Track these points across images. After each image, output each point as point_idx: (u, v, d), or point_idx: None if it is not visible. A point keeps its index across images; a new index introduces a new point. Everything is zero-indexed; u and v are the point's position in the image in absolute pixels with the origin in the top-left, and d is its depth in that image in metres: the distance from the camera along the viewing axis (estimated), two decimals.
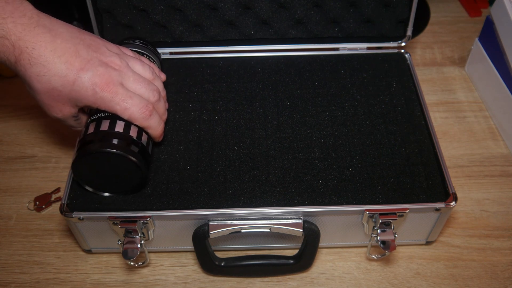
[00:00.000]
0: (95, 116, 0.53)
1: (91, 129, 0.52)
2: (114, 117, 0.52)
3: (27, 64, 0.49)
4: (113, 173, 0.52)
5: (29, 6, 0.49)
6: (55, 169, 0.69)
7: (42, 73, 0.49)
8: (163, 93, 0.58)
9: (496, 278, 0.58)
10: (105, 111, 0.53)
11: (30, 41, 0.48)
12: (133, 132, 0.52)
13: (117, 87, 0.51)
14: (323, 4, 0.67)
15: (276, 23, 0.68)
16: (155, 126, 0.55)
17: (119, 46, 0.56)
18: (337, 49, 0.71)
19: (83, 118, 0.56)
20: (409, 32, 0.69)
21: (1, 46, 0.48)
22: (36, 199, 0.65)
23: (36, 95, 0.51)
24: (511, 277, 0.58)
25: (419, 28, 0.87)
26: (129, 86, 0.53)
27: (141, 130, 0.54)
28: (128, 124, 0.52)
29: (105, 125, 0.52)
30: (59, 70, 0.49)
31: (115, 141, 0.51)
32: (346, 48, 0.71)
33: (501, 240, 0.61)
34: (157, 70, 0.59)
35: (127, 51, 0.57)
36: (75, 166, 0.52)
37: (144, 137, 0.54)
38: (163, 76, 0.61)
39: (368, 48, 0.71)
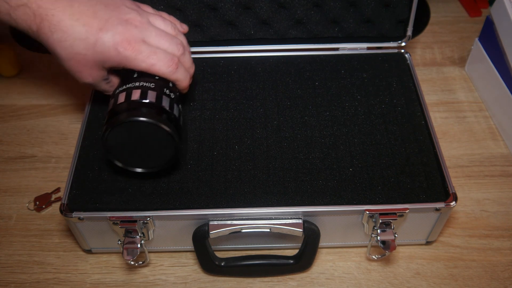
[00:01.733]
0: (124, 87, 0.52)
1: (121, 99, 0.51)
2: (145, 88, 0.51)
3: (48, 32, 0.49)
4: (145, 146, 0.51)
5: None
6: (55, 169, 0.69)
7: (63, 38, 0.49)
8: (187, 46, 0.58)
9: (496, 278, 0.58)
10: (134, 80, 0.52)
11: (49, 8, 0.48)
12: (165, 103, 0.51)
13: (140, 44, 0.51)
14: (323, 4, 0.67)
15: (276, 23, 0.68)
16: (182, 78, 0.55)
17: (139, 3, 0.56)
18: (337, 49, 0.71)
19: (115, 80, 0.55)
20: (409, 32, 0.69)
21: (23, 15, 0.48)
22: (36, 199, 0.65)
23: (63, 63, 0.51)
24: (511, 277, 0.58)
25: (419, 28, 0.87)
26: (152, 42, 0.53)
27: (172, 102, 0.52)
28: (159, 95, 0.51)
29: (135, 95, 0.50)
30: (79, 34, 0.49)
31: (145, 110, 0.49)
32: (346, 48, 0.71)
33: (501, 240, 0.61)
34: (178, 23, 0.59)
35: (147, 8, 0.56)
36: (105, 139, 0.50)
37: (176, 110, 0.52)
38: (185, 27, 0.60)
39: (368, 48, 0.71)
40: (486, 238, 0.62)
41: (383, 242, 0.55)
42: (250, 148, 0.60)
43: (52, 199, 0.66)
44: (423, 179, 0.56)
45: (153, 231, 0.57)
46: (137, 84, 0.52)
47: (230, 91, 0.66)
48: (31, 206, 0.65)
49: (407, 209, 0.54)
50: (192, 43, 0.69)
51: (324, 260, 0.60)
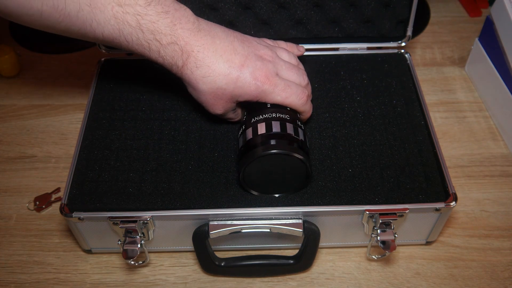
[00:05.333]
0: (261, 117, 0.53)
1: (261, 129, 0.52)
2: (283, 120, 0.53)
3: (194, 67, 0.51)
4: (280, 173, 0.53)
5: (190, 12, 0.52)
6: (55, 169, 0.69)
7: (207, 74, 0.51)
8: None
9: (496, 278, 0.58)
10: (269, 111, 0.54)
11: (195, 44, 0.51)
12: (290, 130, 0.53)
13: (276, 79, 0.53)
14: (323, 4, 0.67)
15: (276, 23, 0.68)
16: (308, 109, 0.57)
17: (261, 38, 0.59)
18: (337, 49, 0.71)
19: (239, 110, 0.58)
20: (409, 32, 0.69)
21: (171, 52, 0.51)
22: (36, 199, 0.65)
23: (201, 96, 0.53)
24: (511, 277, 0.58)
25: (419, 28, 0.87)
26: (283, 75, 0.55)
27: (296, 126, 0.54)
28: (283, 123, 0.53)
29: (261, 129, 0.52)
30: (222, 69, 0.51)
31: (276, 142, 0.51)
32: (346, 48, 0.71)
33: (501, 240, 0.61)
34: (295, 48, 0.61)
35: (267, 41, 0.59)
36: (243, 174, 0.52)
37: (301, 133, 0.54)
38: (302, 49, 0.63)
39: (368, 48, 0.71)
40: (486, 238, 0.62)
41: (383, 242, 0.55)
42: None
43: (52, 199, 0.66)
44: (423, 179, 0.56)
45: (153, 231, 0.57)
46: (274, 115, 0.53)
47: None
48: (31, 206, 0.65)
49: (407, 209, 0.54)
50: None
51: (324, 260, 0.60)
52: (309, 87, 0.58)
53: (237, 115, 0.59)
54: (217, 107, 0.55)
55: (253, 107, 0.55)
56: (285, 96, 0.54)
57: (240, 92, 0.53)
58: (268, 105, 0.54)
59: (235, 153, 0.59)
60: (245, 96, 0.53)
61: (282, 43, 0.61)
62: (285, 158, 0.51)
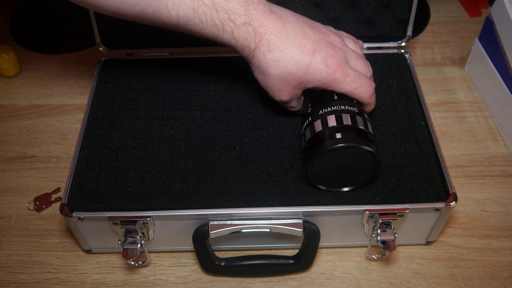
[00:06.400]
0: (330, 109, 0.53)
1: (331, 122, 0.51)
2: (353, 113, 0.52)
3: (266, 50, 0.50)
4: (348, 167, 0.52)
5: None
6: (55, 169, 0.69)
7: (279, 58, 0.50)
8: None
9: (496, 278, 0.58)
10: (337, 103, 0.53)
11: (268, 26, 0.50)
12: (360, 123, 0.52)
13: (347, 68, 0.52)
14: (323, 4, 0.67)
15: None
16: (373, 102, 0.56)
17: (326, 26, 0.57)
18: None
19: (302, 98, 0.57)
20: (409, 32, 0.69)
21: (245, 33, 0.49)
22: (36, 199, 0.65)
23: (269, 81, 0.52)
24: (511, 277, 0.58)
25: (419, 28, 0.87)
26: (352, 64, 0.54)
27: (364, 119, 0.53)
28: (353, 116, 0.52)
29: (331, 121, 0.51)
30: (294, 54, 0.50)
31: (347, 135, 0.50)
32: None
33: (501, 240, 0.61)
34: (355, 41, 0.59)
35: (331, 28, 0.57)
36: (310, 169, 0.52)
37: (369, 126, 0.53)
38: (361, 43, 0.61)
39: (368, 48, 0.71)
40: (486, 238, 0.62)
41: (383, 242, 0.55)
42: (251, 148, 0.60)
43: (52, 199, 0.66)
44: (423, 179, 0.56)
45: (153, 231, 0.57)
46: (343, 107, 0.53)
47: (231, 91, 0.66)
48: (31, 206, 0.65)
49: (407, 209, 0.54)
50: (193, 43, 0.70)
51: (324, 260, 0.60)
52: (372, 79, 0.57)
53: (300, 104, 0.57)
54: (284, 93, 0.53)
55: (318, 98, 0.54)
56: (355, 86, 0.53)
57: (309, 79, 0.51)
58: (335, 97, 0.53)
59: (234, 152, 0.59)
60: (314, 82, 0.52)
61: (344, 33, 0.59)
62: (356, 151, 0.50)
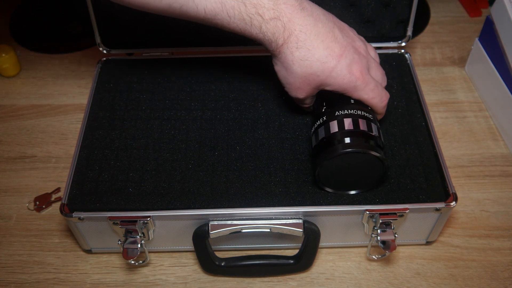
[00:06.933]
0: (347, 112, 0.53)
1: (348, 125, 0.51)
2: (368, 120, 0.52)
3: (294, 47, 0.49)
4: (355, 172, 0.52)
5: None
6: (55, 169, 0.69)
7: (305, 57, 0.49)
8: None
9: (496, 278, 0.58)
10: (353, 107, 0.53)
11: (298, 23, 0.49)
12: (375, 130, 0.52)
13: (368, 76, 0.52)
14: (323, 4, 0.66)
15: None
16: (385, 111, 0.56)
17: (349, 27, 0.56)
18: None
19: (315, 96, 0.57)
20: (409, 32, 0.69)
21: (273, 28, 0.48)
22: (36, 199, 0.65)
23: (290, 78, 0.51)
24: (511, 277, 0.58)
25: (419, 28, 0.87)
26: (372, 73, 0.53)
27: (378, 128, 0.53)
28: (369, 123, 0.52)
29: (348, 124, 0.52)
30: (321, 56, 0.49)
31: (351, 140, 0.50)
32: None
33: (501, 240, 0.61)
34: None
35: (352, 31, 0.56)
36: (319, 173, 0.52)
37: (381, 134, 0.54)
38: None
39: None
40: (486, 238, 0.62)
41: (383, 242, 0.55)
42: (251, 149, 0.60)
43: (52, 199, 0.66)
44: (423, 180, 0.56)
45: (153, 231, 0.57)
46: (359, 113, 0.53)
47: (232, 91, 0.66)
48: (31, 206, 0.65)
49: (407, 209, 0.54)
50: (193, 43, 0.70)
51: (324, 260, 0.60)
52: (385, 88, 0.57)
53: (312, 101, 0.57)
54: (301, 92, 0.53)
55: (334, 99, 0.54)
56: (372, 96, 0.53)
57: (331, 82, 0.51)
58: (352, 101, 0.53)
59: (234, 152, 0.59)
60: (334, 86, 0.52)
61: (364, 39, 0.58)
62: (367, 157, 0.50)
